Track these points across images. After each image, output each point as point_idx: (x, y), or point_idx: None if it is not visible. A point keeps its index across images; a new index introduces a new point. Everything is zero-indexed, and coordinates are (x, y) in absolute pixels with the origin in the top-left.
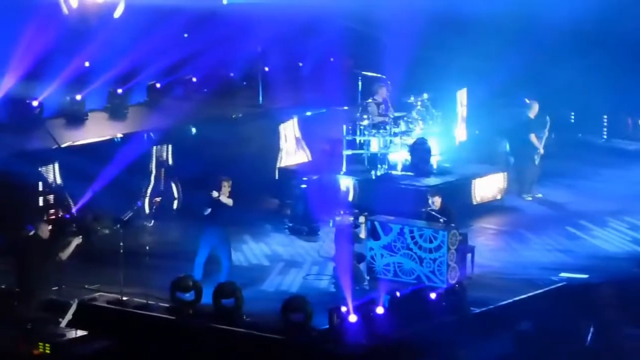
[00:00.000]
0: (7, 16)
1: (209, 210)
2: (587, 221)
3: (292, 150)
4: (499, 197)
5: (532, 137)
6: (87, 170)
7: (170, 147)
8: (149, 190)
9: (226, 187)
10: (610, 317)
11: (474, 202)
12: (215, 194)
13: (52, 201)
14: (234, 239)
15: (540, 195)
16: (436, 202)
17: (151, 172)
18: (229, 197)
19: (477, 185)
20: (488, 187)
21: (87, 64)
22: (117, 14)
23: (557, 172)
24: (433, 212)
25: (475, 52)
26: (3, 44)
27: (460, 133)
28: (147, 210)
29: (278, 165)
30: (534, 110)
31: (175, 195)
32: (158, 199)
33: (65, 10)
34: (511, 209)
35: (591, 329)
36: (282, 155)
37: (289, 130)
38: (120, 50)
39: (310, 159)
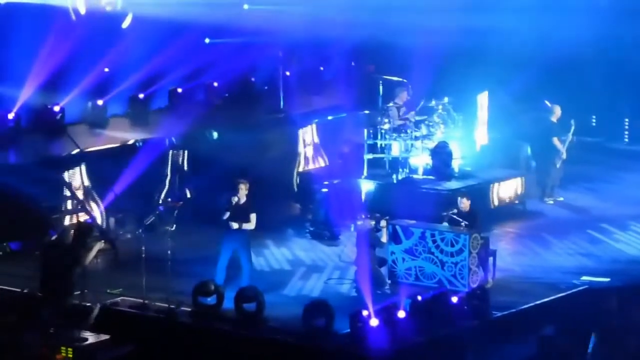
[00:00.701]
0: (27, 23)
1: (228, 214)
2: (609, 225)
3: (310, 155)
4: (516, 201)
5: (555, 141)
6: (108, 175)
7: (186, 152)
8: (162, 195)
9: (243, 189)
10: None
11: (492, 207)
12: (234, 199)
13: (74, 206)
14: (256, 244)
15: (561, 198)
16: (464, 204)
17: (166, 177)
18: (246, 199)
19: (494, 189)
20: (506, 191)
21: (106, 69)
22: (125, 24)
23: (579, 175)
24: (455, 216)
25: (497, 57)
26: (24, 51)
27: (481, 137)
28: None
29: (296, 170)
30: (556, 114)
31: (188, 200)
32: (179, 204)
33: (73, 17)
34: (533, 212)
35: (592, 337)
36: (301, 160)
37: (308, 136)
38: (143, 56)
39: (327, 164)
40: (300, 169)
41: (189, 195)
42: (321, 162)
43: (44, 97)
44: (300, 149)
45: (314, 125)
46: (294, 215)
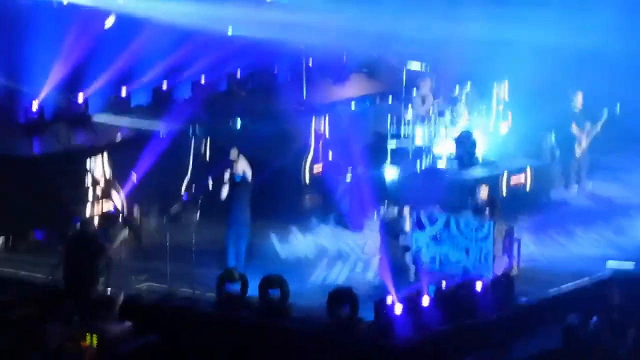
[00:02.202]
0: (51, 16)
1: (225, 193)
2: (635, 213)
3: (319, 149)
4: (527, 189)
5: (574, 129)
6: (131, 165)
7: (208, 142)
8: (184, 185)
9: (234, 156)
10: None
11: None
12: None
13: (98, 195)
14: (281, 233)
15: (590, 186)
16: (482, 193)
17: (188, 167)
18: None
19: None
20: (516, 180)
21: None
22: (107, 25)
23: (604, 164)
24: (479, 204)
25: (522, 43)
26: (48, 43)
27: (500, 126)
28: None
29: (304, 162)
30: (578, 102)
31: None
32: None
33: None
34: (557, 201)
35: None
36: (311, 151)
37: (322, 127)
38: (167, 47)
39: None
40: (308, 163)
41: (210, 187)
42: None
43: (67, 88)
44: (311, 141)
45: (326, 118)
46: (318, 204)
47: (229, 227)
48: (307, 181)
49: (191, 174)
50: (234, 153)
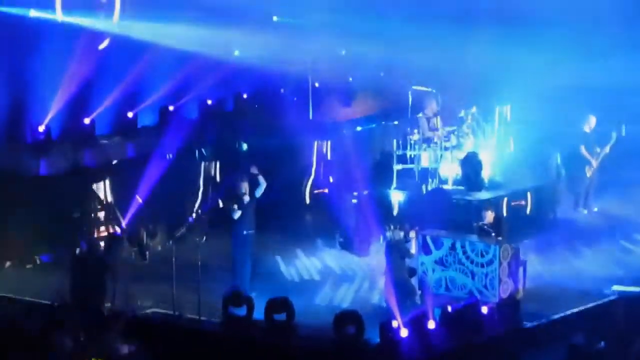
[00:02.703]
0: (57, 36)
1: (239, 212)
2: None
3: (320, 172)
4: (532, 208)
5: (582, 150)
6: (138, 185)
7: (218, 163)
8: (195, 206)
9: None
10: None
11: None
12: (246, 198)
13: (104, 217)
14: (287, 254)
15: (596, 209)
16: (488, 216)
17: (199, 188)
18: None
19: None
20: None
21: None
22: (102, 46)
23: (611, 184)
24: (485, 227)
25: (528, 64)
26: (55, 64)
27: (504, 147)
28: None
29: (305, 182)
30: (590, 124)
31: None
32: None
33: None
34: (564, 221)
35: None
36: (312, 172)
37: (325, 149)
38: (172, 68)
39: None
40: (309, 185)
41: (221, 205)
42: (330, 179)
43: (74, 109)
44: (314, 160)
45: (328, 143)
46: (324, 226)
47: (235, 242)
48: (308, 202)
49: (201, 195)
50: (253, 168)
